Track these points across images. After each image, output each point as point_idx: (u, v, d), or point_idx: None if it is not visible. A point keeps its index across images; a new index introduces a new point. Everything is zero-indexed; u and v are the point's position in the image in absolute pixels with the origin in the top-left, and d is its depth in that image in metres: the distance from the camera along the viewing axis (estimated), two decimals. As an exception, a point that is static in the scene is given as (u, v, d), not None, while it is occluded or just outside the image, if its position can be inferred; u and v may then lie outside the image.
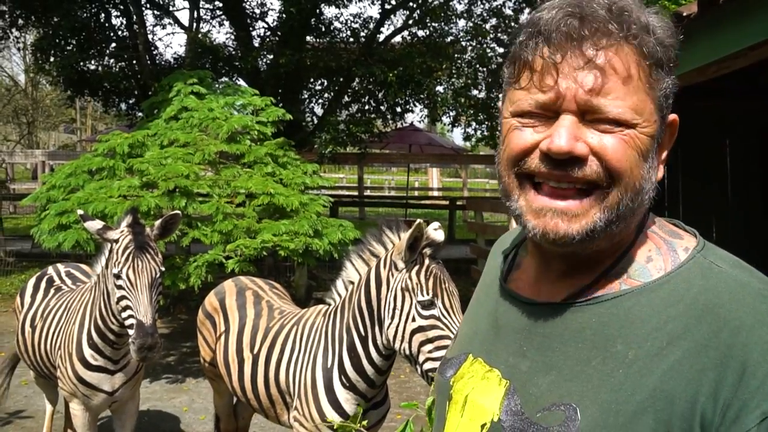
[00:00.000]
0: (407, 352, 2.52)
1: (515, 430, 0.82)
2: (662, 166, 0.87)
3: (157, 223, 3.22)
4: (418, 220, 2.50)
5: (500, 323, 0.93)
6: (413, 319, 2.50)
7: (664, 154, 0.87)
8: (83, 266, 4.36)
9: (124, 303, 3.05)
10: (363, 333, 2.74)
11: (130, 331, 3.02)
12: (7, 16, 11.73)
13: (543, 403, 0.81)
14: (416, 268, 2.54)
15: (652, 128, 0.82)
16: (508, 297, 0.95)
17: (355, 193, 20.81)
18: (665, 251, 0.85)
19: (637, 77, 0.80)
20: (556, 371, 0.82)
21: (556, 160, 0.80)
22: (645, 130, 0.81)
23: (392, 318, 2.57)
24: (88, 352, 3.38)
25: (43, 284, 4.11)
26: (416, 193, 24.46)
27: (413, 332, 2.50)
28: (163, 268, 3.15)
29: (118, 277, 3.04)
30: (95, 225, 3.16)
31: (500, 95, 0.92)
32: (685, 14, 3.05)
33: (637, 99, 0.80)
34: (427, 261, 2.56)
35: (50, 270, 4.25)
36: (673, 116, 0.86)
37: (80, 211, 3.36)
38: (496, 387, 0.87)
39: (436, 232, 2.61)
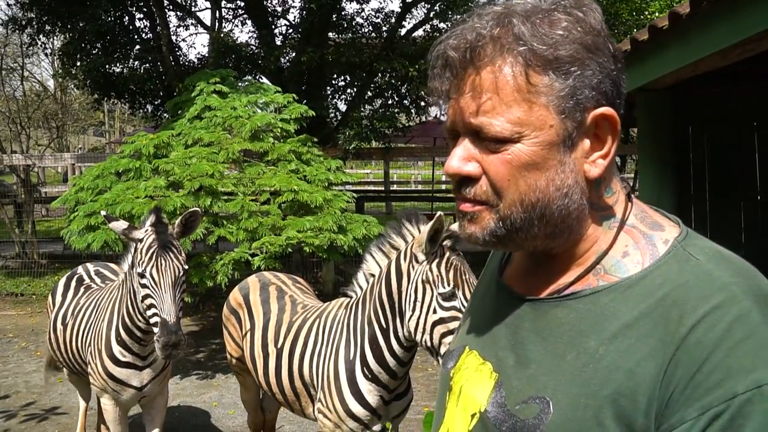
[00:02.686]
0: (428, 344, 2.52)
1: (498, 421, 0.86)
2: (604, 160, 0.85)
3: (177, 221, 3.26)
4: (439, 213, 2.49)
5: (494, 317, 0.97)
6: (434, 311, 2.50)
7: (606, 148, 0.84)
8: (112, 265, 4.43)
9: (148, 301, 3.10)
10: (384, 325, 2.74)
11: (155, 329, 3.07)
12: (34, 23, 11.95)
13: (522, 396, 0.84)
14: (437, 260, 2.53)
15: (548, 135, 0.81)
16: (502, 291, 0.98)
17: (382, 188, 20.80)
18: (643, 245, 0.85)
19: (517, 88, 0.80)
20: (536, 365, 0.85)
21: (457, 180, 0.86)
22: (536, 140, 0.81)
23: (413, 310, 2.57)
24: (116, 349, 3.45)
25: (73, 283, 4.20)
26: (443, 187, 24.37)
27: (434, 324, 2.49)
28: (186, 267, 3.18)
29: (142, 276, 3.09)
30: (120, 225, 3.21)
31: None
32: (705, -4, 2.99)
33: (519, 110, 0.80)
34: (447, 253, 2.55)
35: (80, 269, 4.34)
36: (601, 111, 0.82)
37: (104, 213, 3.42)
38: (487, 380, 0.91)
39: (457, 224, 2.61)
